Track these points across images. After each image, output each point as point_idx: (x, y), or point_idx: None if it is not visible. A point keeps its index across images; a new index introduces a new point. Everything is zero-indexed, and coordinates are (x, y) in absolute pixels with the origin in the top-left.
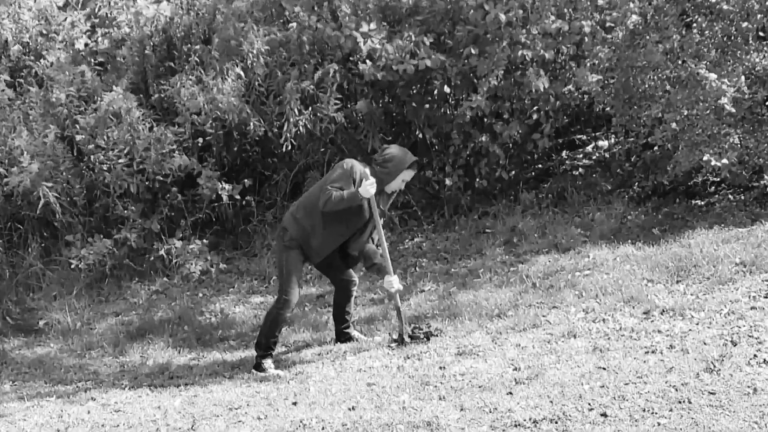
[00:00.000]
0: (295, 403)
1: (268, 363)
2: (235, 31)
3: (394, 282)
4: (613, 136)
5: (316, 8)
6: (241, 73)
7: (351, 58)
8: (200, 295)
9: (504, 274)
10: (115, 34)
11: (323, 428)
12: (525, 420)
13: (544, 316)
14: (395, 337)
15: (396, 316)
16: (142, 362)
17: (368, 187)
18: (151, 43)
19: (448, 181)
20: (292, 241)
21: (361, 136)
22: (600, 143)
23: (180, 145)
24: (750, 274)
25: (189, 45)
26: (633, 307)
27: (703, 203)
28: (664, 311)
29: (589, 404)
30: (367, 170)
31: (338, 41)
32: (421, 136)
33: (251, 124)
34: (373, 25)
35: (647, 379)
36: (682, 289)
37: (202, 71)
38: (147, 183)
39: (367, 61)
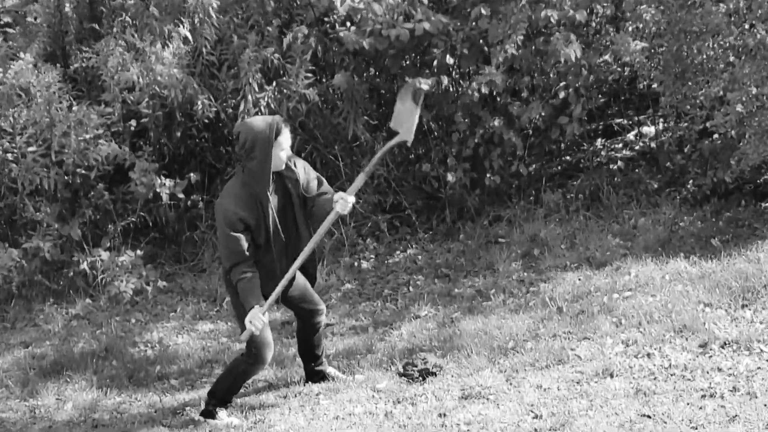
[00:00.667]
0: None
1: (221, 413)
2: None
3: (349, 199)
4: (661, 120)
5: None
6: (188, 36)
7: (326, 20)
8: (133, 320)
9: (521, 296)
10: None
11: None
12: None
13: (572, 349)
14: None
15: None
16: (58, 406)
17: (254, 317)
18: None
19: (450, 177)
20: None
21: (340, 118)
22: (644, 129)
23: (108, 130)
24: None
25: (119, 1)
26: (686, 339)
27: None
28: (725, 344)
29: None
30: (241, 192)
31: (307, 0)
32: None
33: (199, 102)
34: None
35: (704, 430)
36: (749, 315)
37: (135, 35)
38: (66, 178)
39: (348, 24)
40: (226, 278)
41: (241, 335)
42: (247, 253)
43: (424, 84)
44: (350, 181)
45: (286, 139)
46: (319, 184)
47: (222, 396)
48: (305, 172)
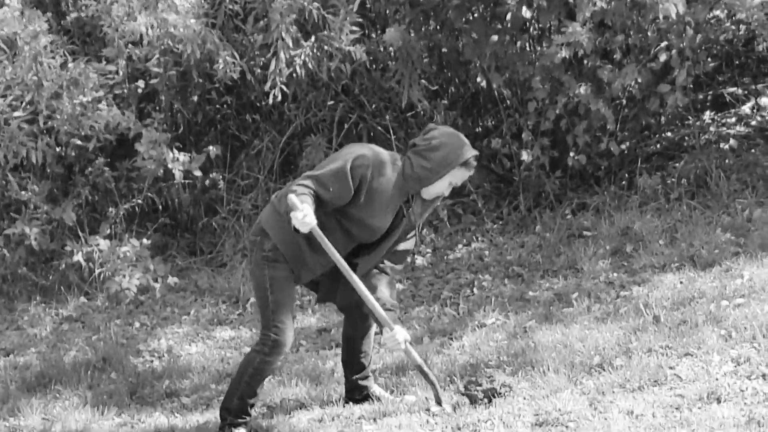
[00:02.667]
0: None
1: (240, 431)
2: None
3: (398, 335)
4: None
5: None
6: None
7: None
8: (137, 324)
9: (610, 302)
10: None
11: None
12: None
13: (671, 368)
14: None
15: (423, 378)
16: (44, 428)
17: (300, 220)
18: None
19: (525, 156)
20: (275, 251)
21: (392, 82)
22: (763, 101)
23: (109, 92)
24: None
25: None
26: None
27: None
28: None
29: None
30: (389, 165)
31: None
32: (484, 85)
33: (220, 60)
34: None
35: None
36: None
37: None
38: (58, 149)
39: None
40: (252, 243)
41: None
42: (327, 195)
43: None
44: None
45: (461, 176)
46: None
47: (238, 407)
48: (423, 217)
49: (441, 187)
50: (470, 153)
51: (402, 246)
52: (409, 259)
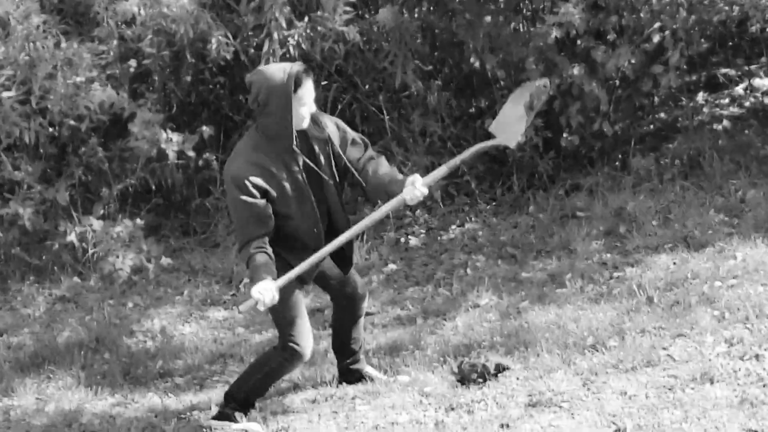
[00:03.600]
0: None
1: (241, 417)
2: None
3: (417, 185)
4: None
5: None
6: None
7: None
8: (130, 305)
9: (603, 283)
10: None
11: None
12: None
13: (664, 348)
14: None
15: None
16: (38, 408)
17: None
18: None
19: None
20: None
21: (386, 62)
22: (757, 82)
23: (102, 72)
24: None
25: None
26: None
27: None
28: None
29: None
30: (256, 151)
31: None
32: (478, 65)
33: (213, 41)
34: None
35: None
36: None
37: None
38: (51, 129)
39: None
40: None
41: (240, 305)
42: (263, 226)
43: (545, 86)
44: (397, 139)
45: (308, 91)
46: (365, 147)
47: (245, 398)
48: (340, 130)
49: (302, 114)
50: (285, 73)
51: (350, 155)
52: (402, 240)
